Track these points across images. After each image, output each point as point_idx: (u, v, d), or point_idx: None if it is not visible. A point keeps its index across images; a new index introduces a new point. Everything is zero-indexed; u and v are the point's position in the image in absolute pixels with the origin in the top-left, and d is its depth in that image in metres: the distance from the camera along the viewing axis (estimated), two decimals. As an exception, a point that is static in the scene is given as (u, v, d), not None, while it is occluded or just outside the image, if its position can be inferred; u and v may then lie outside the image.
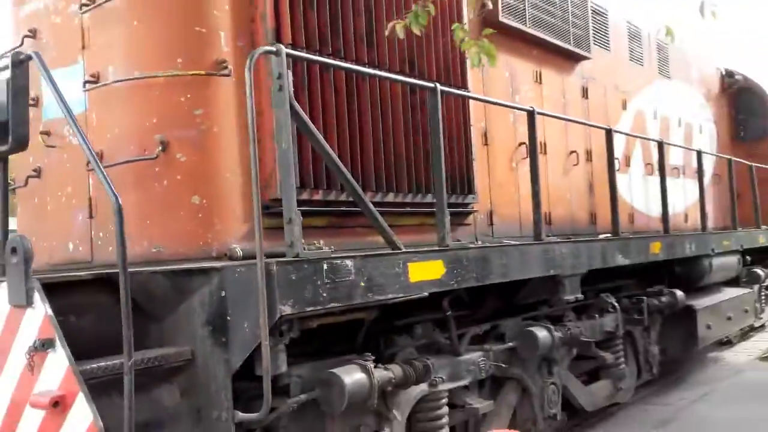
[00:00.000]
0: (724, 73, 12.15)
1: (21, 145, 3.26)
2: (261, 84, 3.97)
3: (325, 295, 3.44)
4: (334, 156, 3.64)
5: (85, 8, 4.01)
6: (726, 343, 10.76)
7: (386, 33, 4.37)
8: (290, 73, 3.39)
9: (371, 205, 3.80)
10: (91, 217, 4.05)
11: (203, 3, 3.84)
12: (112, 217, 3.71)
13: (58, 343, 2.92)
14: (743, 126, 12.35)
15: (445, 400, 4.62)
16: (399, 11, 4.79)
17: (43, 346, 2.94)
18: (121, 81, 3.76)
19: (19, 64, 3.25)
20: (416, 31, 4.36)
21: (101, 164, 3.61)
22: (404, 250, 3.93)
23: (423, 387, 4.43)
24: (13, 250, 3.08)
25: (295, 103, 3.37)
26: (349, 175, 3.68)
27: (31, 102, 3.64)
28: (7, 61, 3.34)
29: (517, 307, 5.61)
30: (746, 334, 11.38)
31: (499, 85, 6.19)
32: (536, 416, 5.60)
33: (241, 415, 3.24)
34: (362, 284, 3.65)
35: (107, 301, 3.39)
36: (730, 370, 9.36)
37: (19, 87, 3.24)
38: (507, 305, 5.49)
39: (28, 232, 4.26)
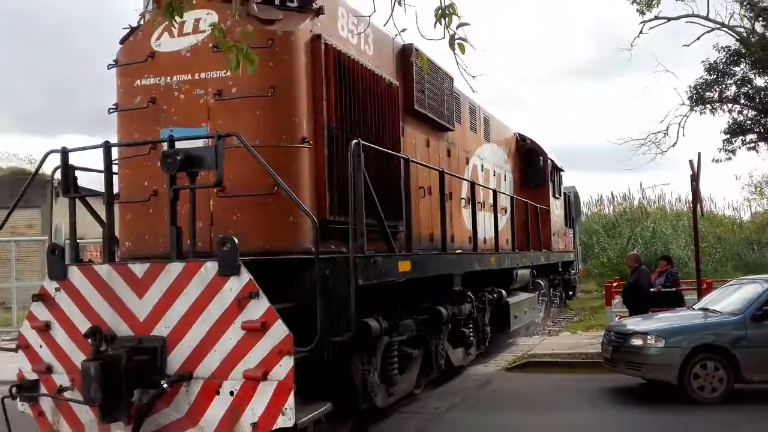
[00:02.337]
0: (518, 137, 16.54)
1: (219, 185, 5.68)
2: (319, 152, 6.70)
3: (371, 275, 6.28)
4: (375, 199, 6.50)
5: (217, 97, 6.41)
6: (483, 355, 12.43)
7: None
8: (363, 155, 6.21)
9: (387, 227, 6.71)
10: (211, 224, 6.40)
11: (297, 102, 6.48)
12: (230, 226, 6.28)
13: (261, 293, 5.42)
14: (529, 176, 16.84)
15: (396, 347, 7.59)
16: (374, 109, 7.72)
17: (253, 295, 5.42)
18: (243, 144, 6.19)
19: (219, 138, 5.68)
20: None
21: (224, 193, 6.15)
22: (398, 254, 6.88)
23: (386, 338, 7.36)
24: (224, 243, 5.51)
25: (365, 172, 6.20)
26: (380, 211, 6.57)
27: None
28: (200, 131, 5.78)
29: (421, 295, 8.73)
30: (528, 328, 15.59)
31: (410, 149, 9.32)
32: (433, 364, 8.78)
33: (334, 339, 5.94)
34: (383, 271, 6.54)
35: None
36: (480, 380, 10.46)
37: (221, 151, 5.65)
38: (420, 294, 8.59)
39: (141, 233, 6.53)
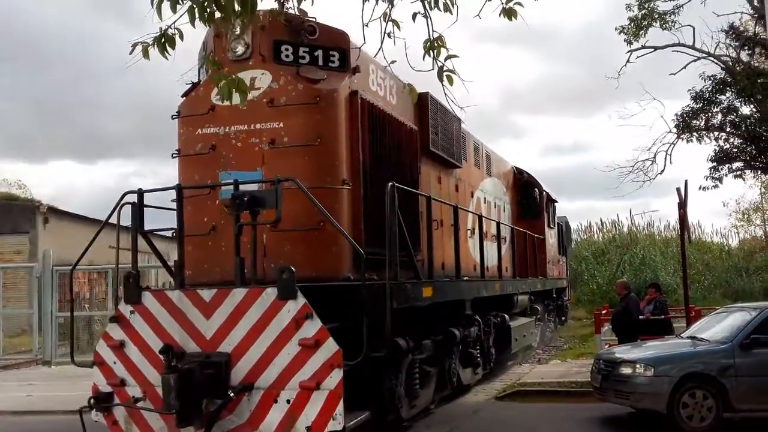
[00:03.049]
0: (516, 171, 17.64)
1: (278, 222, 6.65)
2: (356, 191, 7.70)
3: (402, 299, 7.26)
4: (406, 233, 7.51)
5: (270, 145, 7.42)
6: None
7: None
8: (396, 196, 7.23)
9: (415, 258, 7.70)
10: (264, 255, 7.35)
11: (339, 149, 7.51)
12: (281, 257, 7.23)
13: (314, 314, 6.38)
14: (525, 208, 17.88)
15: (418, 364, 8.54)
16: (398, 152, 8.76)
17: (308, 316, 6.37)
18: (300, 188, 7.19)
19: (278, 182, 6.67)
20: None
21: (276, 228, 7.11)
22: (423, 281, 7.87)
23: (410, 356, 8.30)
24: (283, 272, 6.48)
25: (398, 211, 7.22)
26: (410, 243, 7.56)
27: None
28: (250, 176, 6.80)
29: (437, 319, 9.70)
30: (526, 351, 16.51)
31: (425, 185, 10.34)
32: (446, 382, 9.72)
33: (373, 354, 6.87)
34: (412, 296, 7.52)
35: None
36: (469, 409, 10.36)
37: (280, 193, 6.63)
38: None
39: (201, 262, 7.48)
